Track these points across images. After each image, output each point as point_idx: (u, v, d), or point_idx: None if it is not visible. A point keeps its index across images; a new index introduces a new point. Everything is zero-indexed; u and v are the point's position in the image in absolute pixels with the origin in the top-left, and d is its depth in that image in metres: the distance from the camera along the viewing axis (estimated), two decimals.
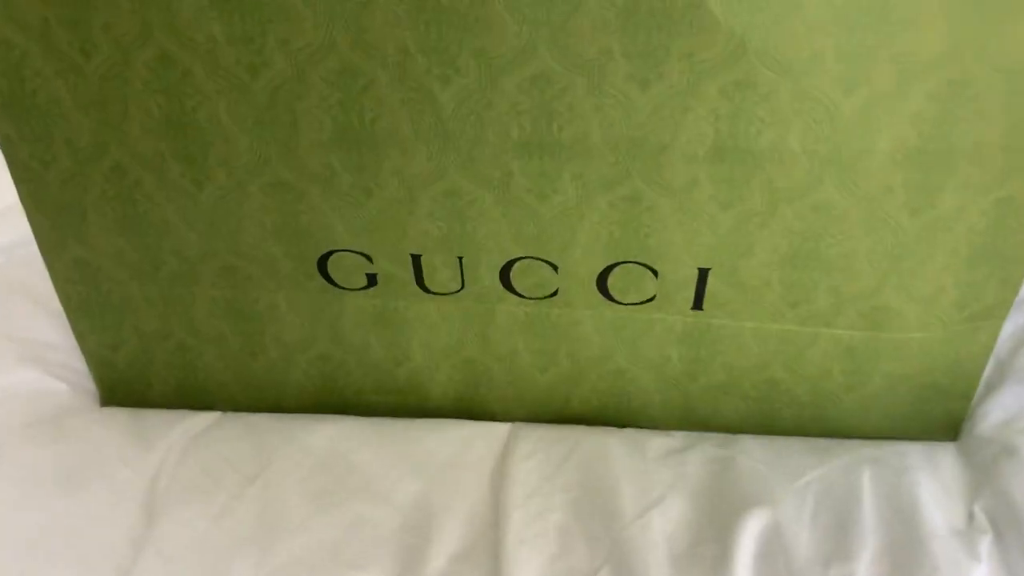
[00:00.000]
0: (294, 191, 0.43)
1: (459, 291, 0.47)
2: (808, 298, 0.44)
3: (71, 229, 0.46)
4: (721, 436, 0.51)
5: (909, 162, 0.38)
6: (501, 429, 0.52)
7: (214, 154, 0.42)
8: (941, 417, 0.50)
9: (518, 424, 0.52)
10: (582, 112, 0.38)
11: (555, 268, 0.45)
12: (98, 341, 0.51)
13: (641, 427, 0.52)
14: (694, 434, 0.51)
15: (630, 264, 0.44)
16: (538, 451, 0.49)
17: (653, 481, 0.47)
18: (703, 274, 0.44)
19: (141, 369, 0.53)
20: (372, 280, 0.46)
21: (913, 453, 0.49)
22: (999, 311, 0.45)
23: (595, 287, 0.45)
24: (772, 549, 0.43)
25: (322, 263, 0.46)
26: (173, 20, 0.37)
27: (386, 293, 0.47)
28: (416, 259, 0.45)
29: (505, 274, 0.45)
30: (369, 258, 0.45)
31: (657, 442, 0.50)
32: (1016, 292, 0.44)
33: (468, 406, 0.53)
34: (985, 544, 0.43)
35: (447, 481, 0.47)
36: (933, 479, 0.47)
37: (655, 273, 0.44)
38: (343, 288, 0.47)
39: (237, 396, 0.53)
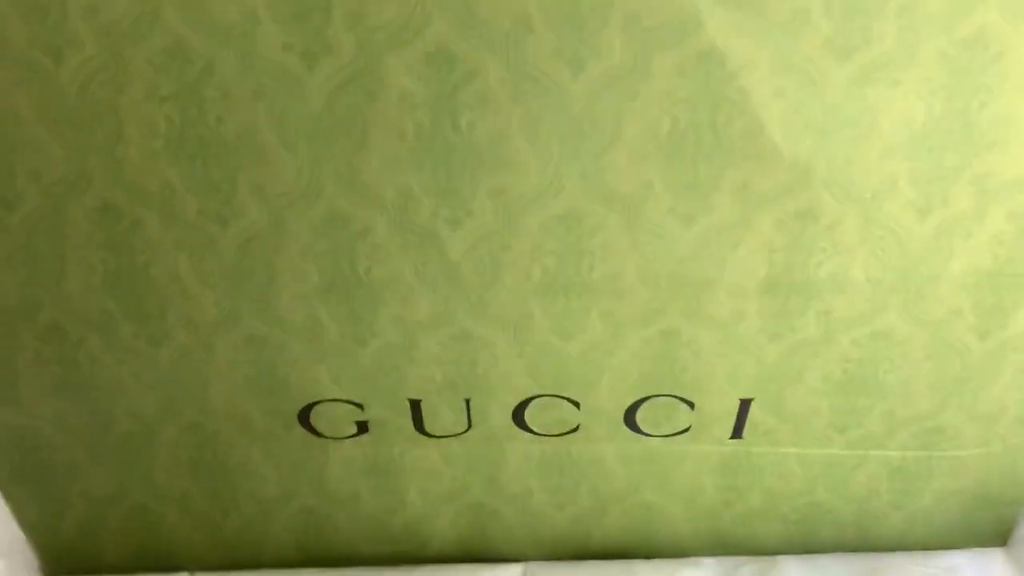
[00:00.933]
0: (270, 345, 0.36)
1: (464, 432, 0.41)
2: (859, 423, 0.40)
3: (1, 394, 0.39)
4: (756, 560, 0.46)
5: (982, 285, 0.34)
6: (513, 571, 0.46)
7: (173, 312, 0.35)
8: (991, 524, 0.46)
9: (531, 564, 0.46)
10: (617, 250, 0.32)
11: (577, 405, 0.39)
12: (38, 510, 0.44)
13: (667, 557, 0.47)
14: (727, 560, 0.46)
15: (663, 398, 0.39)
16: None
17: None
18: (745, 404, 0.39)
19: (92, 535, 0.45)
20: (363, 428, 0.40)
21: (967, 566, 0.45)
22: None
23: (623, 421, 0.40)
24: None
25: (304, 414, 0.40)
26: (119, 167, 0.31)
27: (379, 440, 0.41)
28: (416, 404, 0.39)
29: (519, 413, 0.40)
30: (360, 406, 0.39)
31: (687, 573, 0.45)
32: None
33: (473, 550, 0.47)
34: None
35: None
36: None
37: (691, 405, 0.39)
38: (328, 438, 0.41)
39: (207, 556, 0.46)
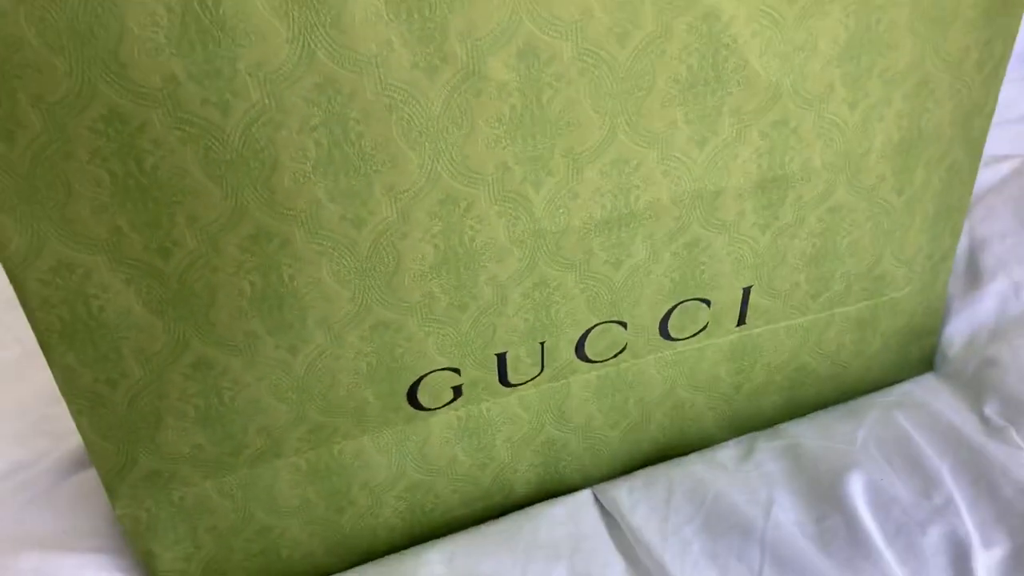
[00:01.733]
0: (391, 327, 0.43)
1: (538, 375, 0.49)
2: (827, 287, 0.52)
3: (141, 444, 0.43)
4: (766, 432, 0.57)
5: (894, 153, 0.47)
6: (586, 496, 0.54)
7: (313, 316, 0.41)
8: (920, 354, 0.60)
9: (599, 487, 0.55)
10: (654, 180, 0.43)
11: (624, 326, 0.49)
12: (172, 557, 0.47)
13: (697, 449, 0.57)
14: (743, 437, 0.57)
15: (688, 302, 0.49)
16: (640, 501, 0.52)
17: (752, 487, 0.51)
18: (746, 293, 0.50)
19: (218, 570, 0.49)
20: (458, 392, 0.48)
21: (916, 390, 0.58)
22: (950, 253, 0.55)
23: (658, 332, 0.50)
24: (881, 499, 0.49)
25: (412, 392, 0.46)
26: (271, 194, 0.37)
27: (470, 400, 0.48)
28: (501, 357, 0.47)
29: (580, 345, 0.48)
30: (458, 371, 0.46)
31: (725, 454, 0.55)
32: (959, 234, 0.55)
33: (549, 487, 0.54)
34: (1013, 433, 0.52)
35: (583, 555, 0.49)
36: (945, 403, 0.56)
37: (708, 304, 0.50)
38: (430, 410, 0.48)
39: (322, 561, 0.51)
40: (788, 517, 0.49)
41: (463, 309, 0.44)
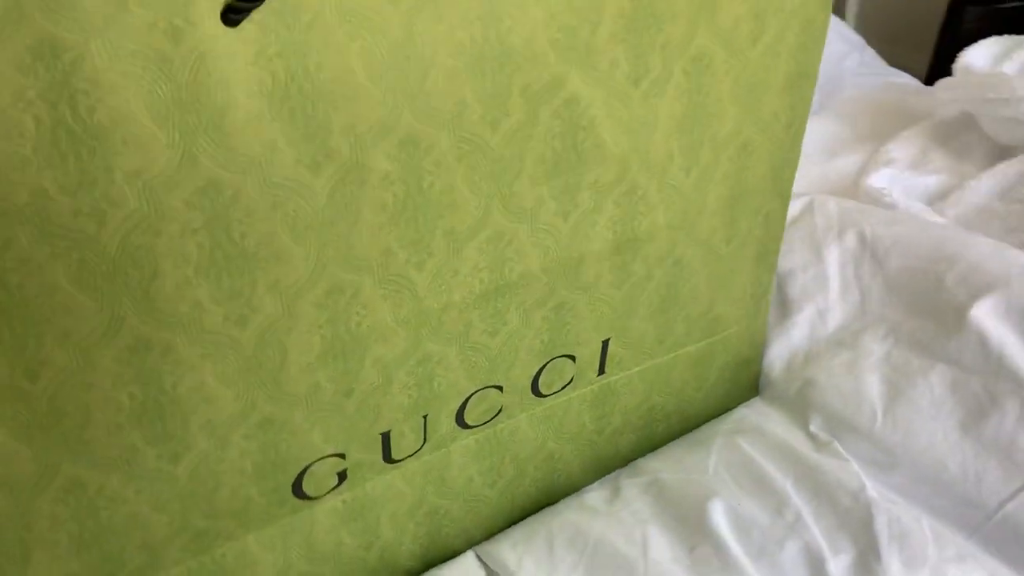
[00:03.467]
0: (276, 422, 0.42)
1: (420, 448, 0.49)
2: (671, 331, 0.56)
3: None
4: (627, 469, 0.61)
5: (723, 208, 0.52)
6: (470, 558, 0.55)
7: (196, 422, 0.39)
8: (747, 382, 0.66)
9: (480, 547, 0.56)
10: (526, 251, 0.45)
11: (501, 389, 0.50)
12: None
13: (567, 494, 0.60)
14: (607, 478, 0.60)
15: (556, 359, 0.52)
16: (524, 555, 0.53)
17: (626, 527, 0.54)
18: (605, 344, 0.53)
19: None
20: (343, 476, 0.47)
21: (749, 415, 0.64)
22: (768, 288, 0.62)
23: (530, 391, 0.52)
24: (741, 523, 0.54)
25: (296, 483, 0.45)
26: (151, 302, 0.36)
27: (355, 483, 0.48)
28: (386, 436, 0.47)
29: (460, 413, 0.50)
30: (343, 455, 0.46)
31: (593, 497, 0.58)
32: (774, 271, 0.61)
33: (432, 555, 0.55)
34: (838, 446, 0.59)
35: None
36: (776, 424, 0.62)
37: (573, 359, 0.52)
38: (314, 499, 0.47)
39: None
40: (664, 554, 0.52)
41: (348, 395, 0.44)
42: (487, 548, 0.55)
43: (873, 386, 0.61)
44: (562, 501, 0.59)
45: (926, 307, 0.63)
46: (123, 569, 0.42)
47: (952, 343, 0.60)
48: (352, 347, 0.42)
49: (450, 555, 0.55)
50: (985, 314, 0.59)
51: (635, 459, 0.62)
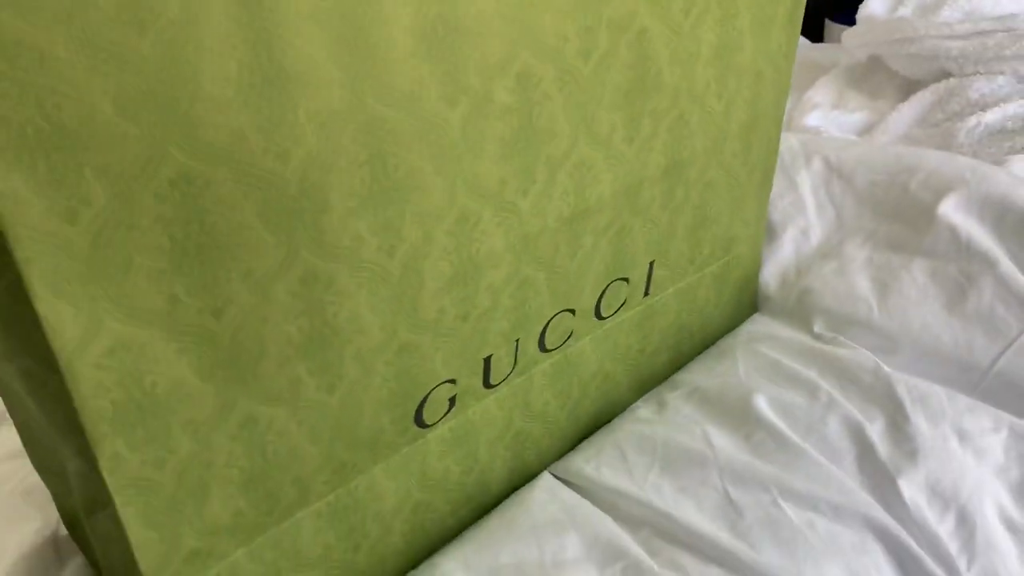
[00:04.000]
0: (409, 349, 0.46)
1: (510, 373, 0.54)
2: (700, 250, 0.63)
3: (185, 525, 0.41)
4: (665, 385, 0.67)
5: (741, 135, 0.59)
6: (548, 477, 0.60)
7: (349, 349, 0.43)
8: (748, 299, 0.74)
9: (554, 466, 0.61)
10: (601, 177, 0.50)
11: (573, 312, 0.55)
12: None
13: (618, 413, 0.65)
14: (649, 394, 0.66)
15: (614, 282, 0.57)
16: (600, 466, 0.58)
17: (686, 428, 0.60)
18: (651, 266, 0.59)
19: None
20: (452, 402, 0.51)
21: (758, 328, 0.71)
22: (766, 209, 0.69)
23: (594, 314, 0.57)
24: (784, 409, 0.60)
25: (418, 411, 0.49)
26: (321, 234, 0.39)
27: (460, 409, 0.52)
28: (487, 361, 0.51)
29: (542, 338, 0.54)
30: (454, 381, 0.50)
31: (644, 411, 0.64)
32: (770, 193, 0.69)
33: (516, 477, 0.59)
34: (843, 339, 0.67)
35: (581, 523, 0.54)
36: (785, 332, 0.70)
37: (627, 281, 0.58)
38: (429, 426, 0.50)
39: None
40: (726, 442, 0.59)
41: (465, 319, 0.48)
42: (562, 466, 0.60)
43: (863, 285, 0.70)
44: (616, 418, 0.64)
45: (896, 212, 0.72)
46: (279, 505, 0.44)
47: (926, 239, 0.69)
48: (472, 272, 0.46)
49: (530, 477, 0.60)
50: (951, 210, 0.69)
51: (669, 375, 0.68)
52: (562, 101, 0.45)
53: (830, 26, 1.87)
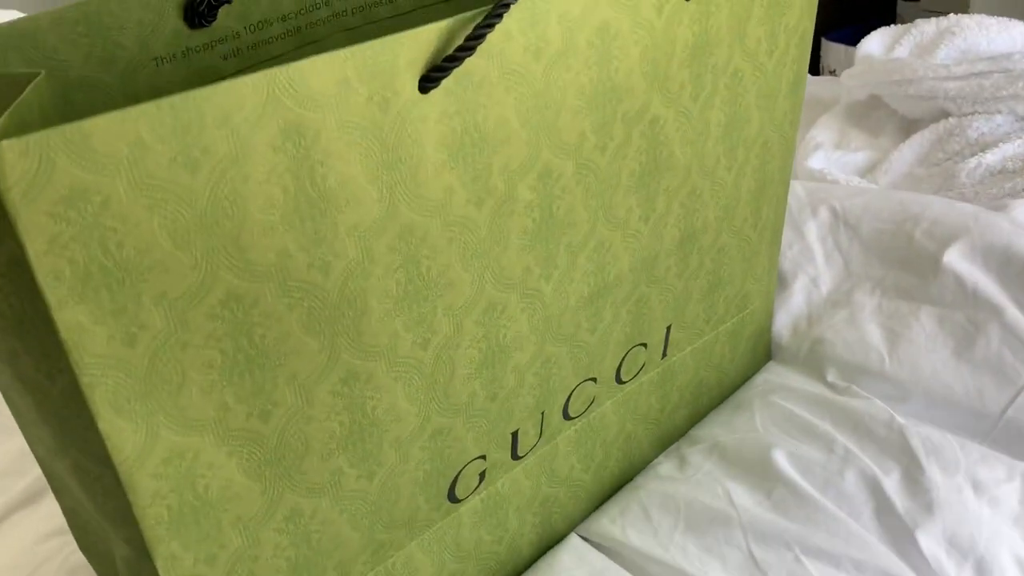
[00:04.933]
0: (443, 433, 0.48)
1: (536, 443, 0.56)
2: (715, 310, 0.65)
3: None
4: (684, 440, 0.69)
5: (751, 199, 0.61)
6: (576, 539, 0.61)
7: (387, 438, 0.45)
8: (763, 350, 0.76)
9: (579, 527, 0.62)
10: (619, 255, 0.52)
11: (595, 380, 0.57)
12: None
13: (639, 471, 0.67)
14: (669, 450, 0.68)
15: (633, 348, 0.59)
16: (626, 526, 0.60)
17: (707, 486, 0.62)
18: (668, 330, 0.61)
19: None
20: (482, 477, 0.53)
21: (773, 378, 0.73)
22: (776, 263, 0.71)
23: (614, 380, 0.59)
24: (802, 465, 0.62)
25: (452, 487, 0.51)
26: (360, 336, 0.41)
27: (490, 482, 0.54)
28: (515, 435, 0.53)
29: (566, 407, 0.56)
30: (484, 457, 0.52)
31: (665, 468, 0.66)
32: (780, 248, 0.71)
33: (546, 540, 0.61)
34: (856, 388, 0.69)
35: None
36: (799, 382, 0.71)
37: (645, 346, 0.60)
38: (461, 500, 0.52)
39: None
40: (747, 500, 0.60)
41: (493, 399, 0.50)
42: (588, 527, 0.62)
43: (874, 333, 0.71)
44: (638, 476, 0.66)
45: (903, 260, 0.74)
46: None
47: (932, 287, 0.71)
48: (499, 356, 0.48)
49: (558, 539, 0.62)
50: (956, 259, 0.71)
51: (688, 429, 0.70)
52: (581, 193, 0.47)
53: (827, 45, 1.91)
